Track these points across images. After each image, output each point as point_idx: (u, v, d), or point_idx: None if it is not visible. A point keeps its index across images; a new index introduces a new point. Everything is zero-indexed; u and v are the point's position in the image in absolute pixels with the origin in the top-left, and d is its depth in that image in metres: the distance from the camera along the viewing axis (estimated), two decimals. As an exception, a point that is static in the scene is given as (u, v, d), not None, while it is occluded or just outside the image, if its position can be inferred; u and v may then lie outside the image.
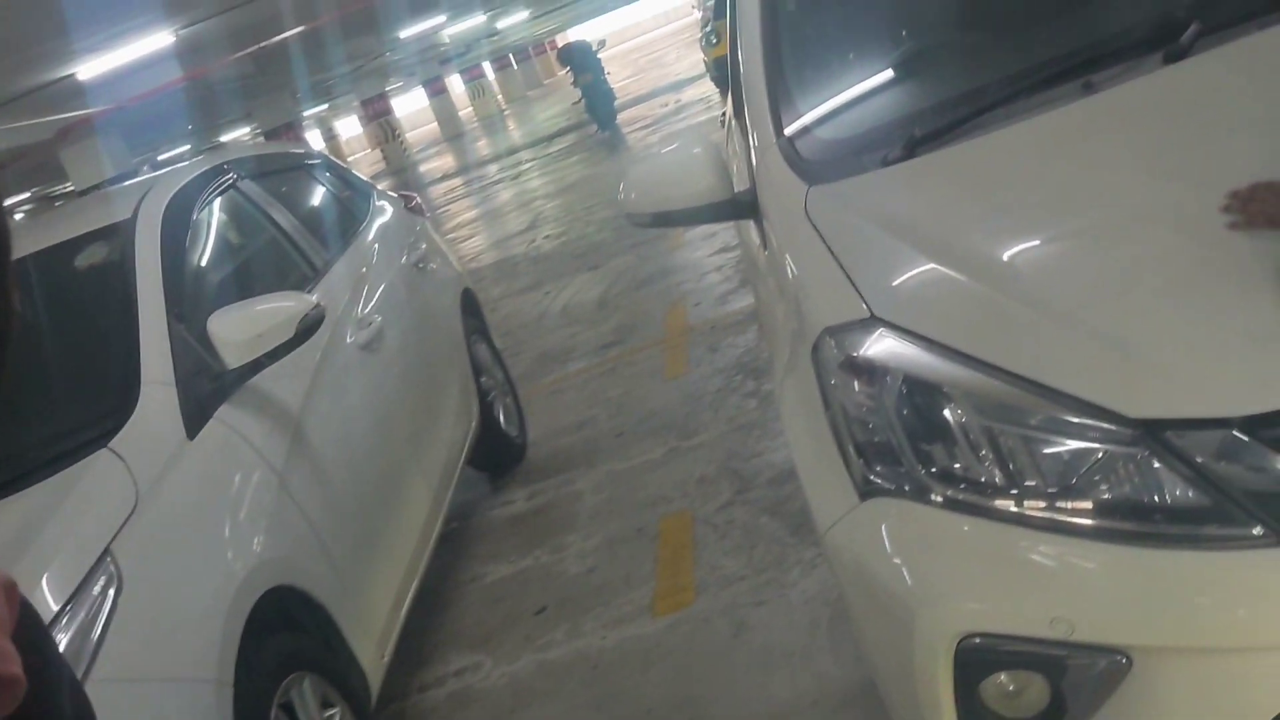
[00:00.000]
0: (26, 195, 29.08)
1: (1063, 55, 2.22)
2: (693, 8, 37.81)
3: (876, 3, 2.94)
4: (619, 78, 26.31)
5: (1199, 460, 1.47)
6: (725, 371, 5.21)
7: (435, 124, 42.84)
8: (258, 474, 2.80)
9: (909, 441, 1.71)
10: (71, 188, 19.11)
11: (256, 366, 2.92)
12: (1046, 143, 2.03)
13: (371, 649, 2.97)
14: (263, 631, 2.43)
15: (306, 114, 37.52)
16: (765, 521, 3.65)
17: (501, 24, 31.79)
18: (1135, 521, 1.52)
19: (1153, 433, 1.50)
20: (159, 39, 11.55)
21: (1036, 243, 1.85)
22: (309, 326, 2.99)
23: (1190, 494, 1.48)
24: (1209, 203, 1.67)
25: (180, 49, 12.68)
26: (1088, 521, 1.55)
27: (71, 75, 12.03)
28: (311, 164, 4.80)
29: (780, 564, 3.36)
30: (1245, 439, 1.43)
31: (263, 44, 16.59)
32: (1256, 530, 1.43)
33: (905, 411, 1.72)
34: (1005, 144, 2.05)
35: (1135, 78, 2.04)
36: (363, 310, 3.87)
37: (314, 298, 3.14)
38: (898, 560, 1.71)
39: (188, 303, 3.08)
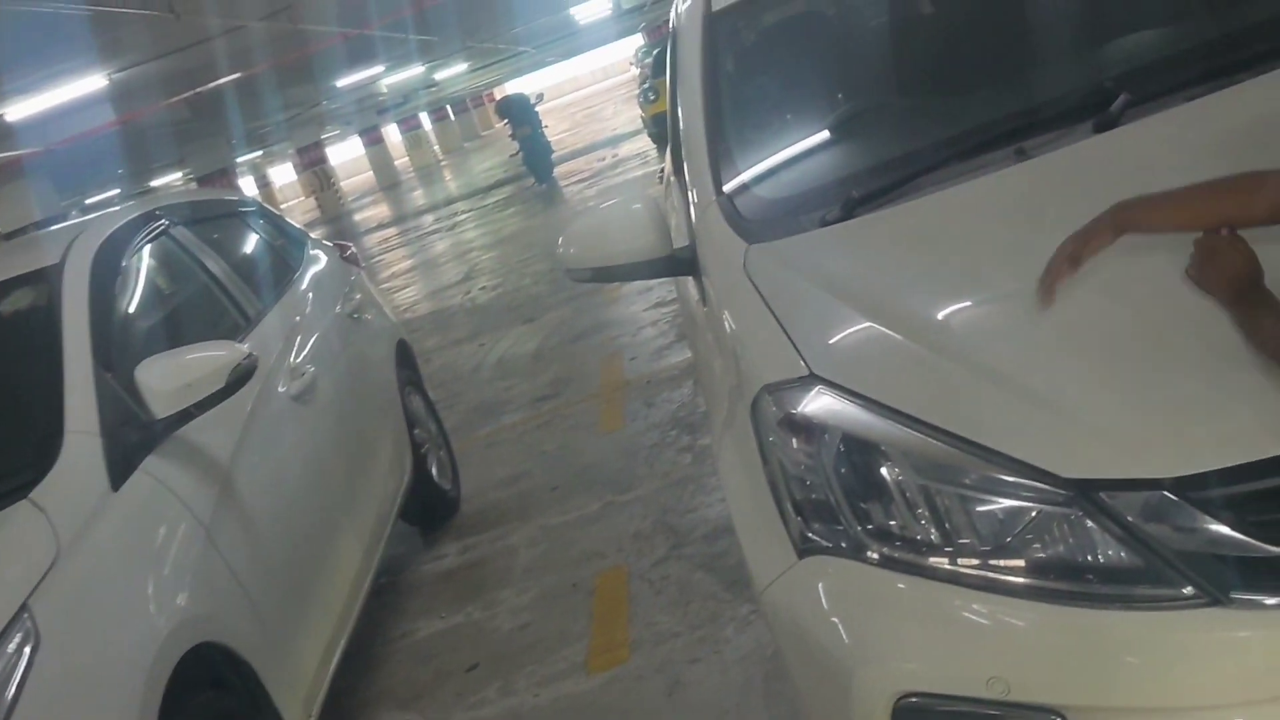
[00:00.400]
0: (-52, 237, 28.44)
1: (996, 121, 2.28)
2: (630, 64, 38.31)
3: (815, 66, 2.99)
4: (557, 131, 26.49)
5: (1130, 520, 1.50)
6: (661, 426, 5.21)
7: (371, 173, 42.73)
8: (184, 527, 2.74)
9: (846, 499, 1.72)
10: (-4, 230, 18.73)
11: (185, 416, 2.86)
12: (982, 206, 2.07)
13: (298, 708, 2.90)
14: (186, 690, 2.36)
15: (240, 160, 37.23)
16: (700, 577, 3.64)
17: (440, 75, 31.89)
18: (1068, 581, 1.54)
19: (1086, 493, 1.52)
20: (91, 82, 11.43)
21: (973, 304, 1.87)
22: (241, 376, 2.94)
23: (1122, 554, 1.50)
24: (1142, 268, 1.71)
25: (113, 93, 12.55)
26: (1022, 580, 1.56)
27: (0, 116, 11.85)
28: (246, 211, 4.75)
29: (715, 620, 3.35)
30: (1175, 500, 1.46)
31: (198, 90, 16.47)
32: (1186, 590, 1.45)
33: (843, 469, 1.73)
34: (942, 207, 2.09)
35: (1067, 145, 2.10)
36: (295, 360, 3.82)
37: (246, 347, 3.09)
38: (835, 619, 1.70)
39: (115, 350, 3.02)
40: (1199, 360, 1.54)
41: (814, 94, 2.90)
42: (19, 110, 11.70)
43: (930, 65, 2.78)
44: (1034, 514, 1.56)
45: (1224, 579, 1.44)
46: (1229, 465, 1.43)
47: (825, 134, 2.65)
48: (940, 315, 1.84)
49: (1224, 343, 1.53)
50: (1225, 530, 1.43)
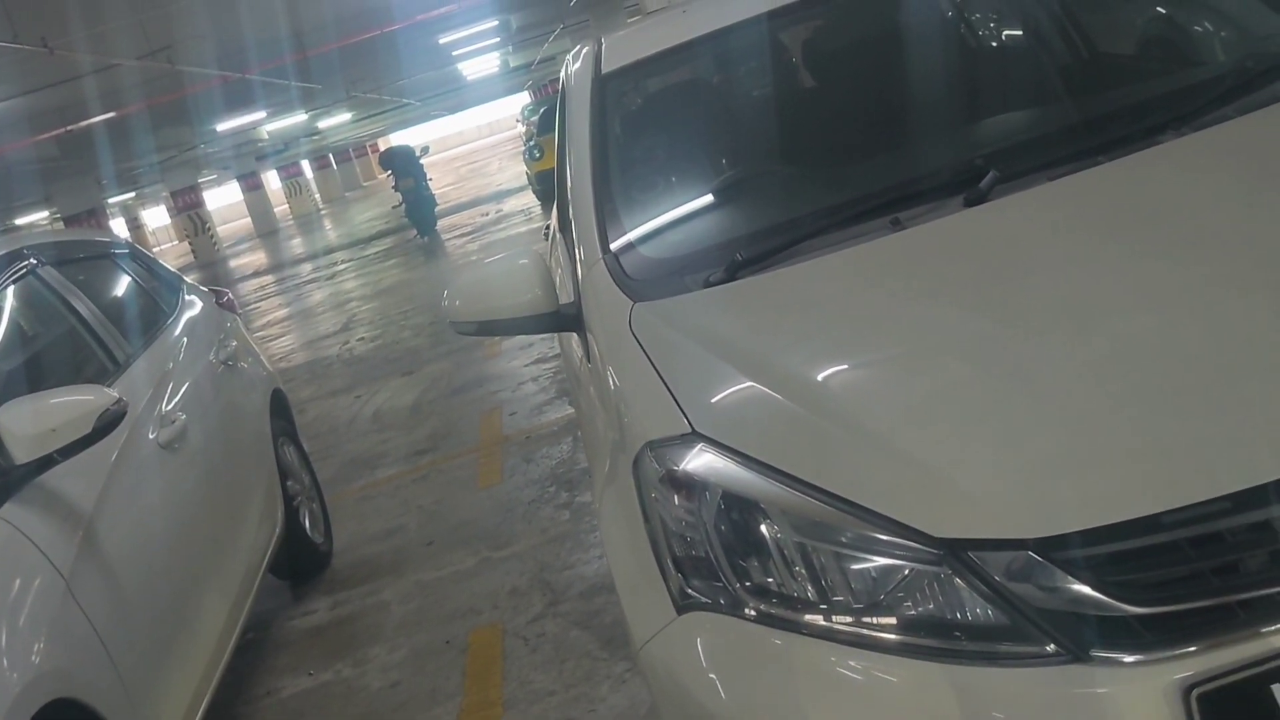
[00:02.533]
0: None
1: (874, 193, 2.37)
2: (517, 121, 38.51)
3: (702, 131, 3.07)
4: (441, 184, 26.44)
5: (997, 580, 1.55)
6: (539, 482, 5.20)
7: (249, 219, 41.92)
8: (41, 578, 2.63)
9: (726, 556, 1.74)
10: None
11: (48, 462, 2.76)
12: (859, 273, 2.14)
13: (156, 768, 2.79)
14: (38, 749, 2.26)
15: (111, 201, 36.20)
16: (576, 635, 3.62)
17: (323, 124, 31.58)
18: (938, 638, 1.58)
19: (955, 552, 1.57)
20: (-45, 115, 11.03)
21: (849, 367, 1.93)
22: (109, 422, 2.85)
23: (989, 612, 1.55)
24: (1008, 335, 1.79)
25: (-22, 127, 12.12)
26: (894, 637, 1.60)
27: None
28: (118, 253, 4.62)
29: (590, 679, 3.33)
30: (1039, 560, 1.51)
31: (68, 128, 16.03)
32: (1049, 648, 1.50)
33: (723, 526, 1.75)
34: (821, 272, 2.16)
35: (939, 217, 2.19)
36: (166, 407, 3.71)
37: (115, 392, 3.00)
38: (712, 675, 1.72)
39: (-26, 392, 2.90)
40: (1066, 422, 1.60)
41: (700, 158, 2.97)
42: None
43: (813, 136, 2.87)
44: (906, 572, 1.60)
45: (1084, 637, 1.49)
46: (1090, 527, 1.49)
47: (710, 197, 2.71)
48: (819, 376, 1.89)
49: (1092, 404, 1.61)
50: (1086, 590, 1.49)
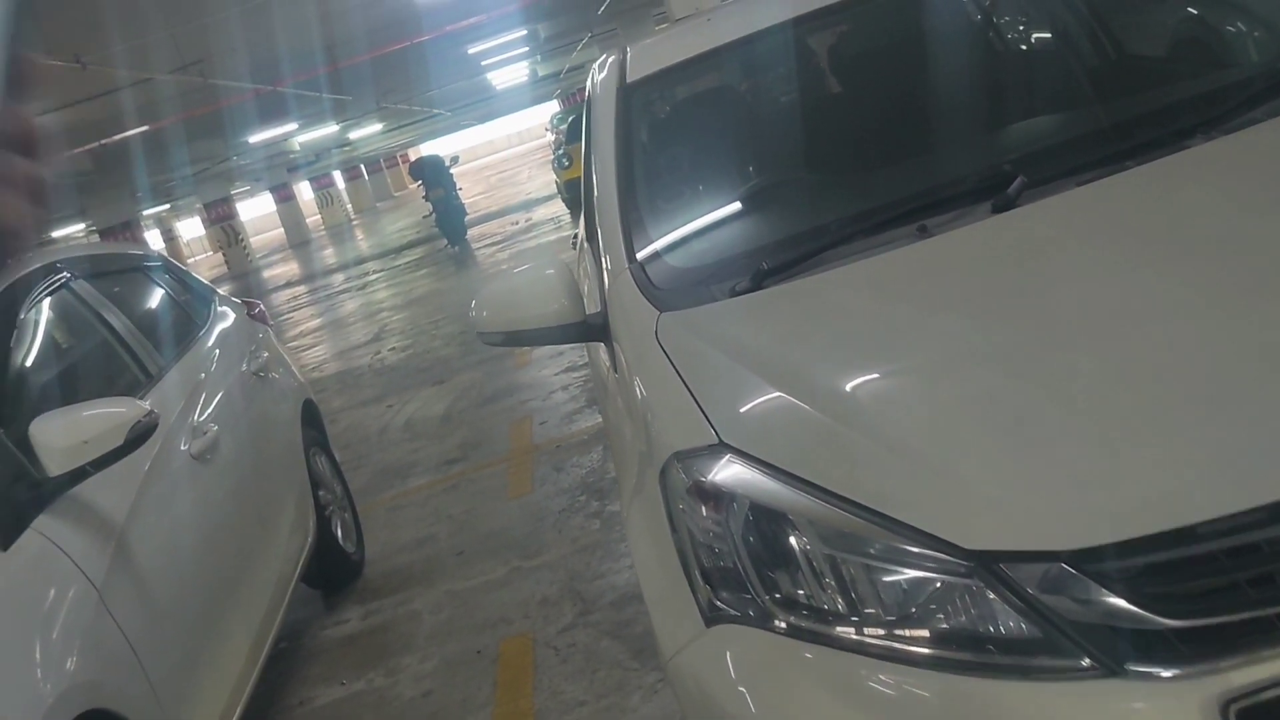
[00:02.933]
0: None
1: (901, 200, 2.35)
2: (546, 130, 38.62)
3: (727, 139, 3.06)
4: (471, 194, 26.54)
5: (1029, 592, 1.52)
6: (569, 491, 5.20)
7: (281, 230, 42.23)
8: (75, 589, 2.65)
9: (754, 568, 1.73)
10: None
11: (81, 474, 2.78)
12: (886, 281, 2.13)
13: (189, 779, 2.80)
14: (72, 761, 2.27)
15: (146, 213, 36.59)
16: (607, 645, 3.62)
17: (354, 135, 31.79)
18: (970, 651, 1.56)
19: (986, 564, 1.54)
20: (-8, 130, 11.13)
21: (877, 376, 1.91)
22: (141, 434, 2.87)
23: (1022, 625, 1.53)
24: (1038, 344, 1.77)
25: (15, 142, 12.25)
26: (925, 650, 1.58)
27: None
28: (150, 265, 4.66)
29: (622, 689, 3.32)
30: (1073, 572, 1.49)
31: (102, 142, 16.21)
32: (1084, 662, 1.48)
33: (751, 538, 1.74)
34: (847, 280, 2.14)
35: (966, 224, 2.17)
36: (198, 418, 3.74)
37: (147, 404, 3.02)
38: (742, 688, 1.70)
39: (9, 405, 2.93)
40: (1099, 431, 1.58)
41: (726, 166, 2.96)
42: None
43: (838, 143, 2.86)
44: (937, 584, 1.58)
45: (1120, 651, 1.46)
46: (1125, 539, 1.47)
47: (736, 205, 2.70)
48: (847, 386, 1.87)
49: (1125, 413, 1.59)
50: (1121, 603, 1.46)
